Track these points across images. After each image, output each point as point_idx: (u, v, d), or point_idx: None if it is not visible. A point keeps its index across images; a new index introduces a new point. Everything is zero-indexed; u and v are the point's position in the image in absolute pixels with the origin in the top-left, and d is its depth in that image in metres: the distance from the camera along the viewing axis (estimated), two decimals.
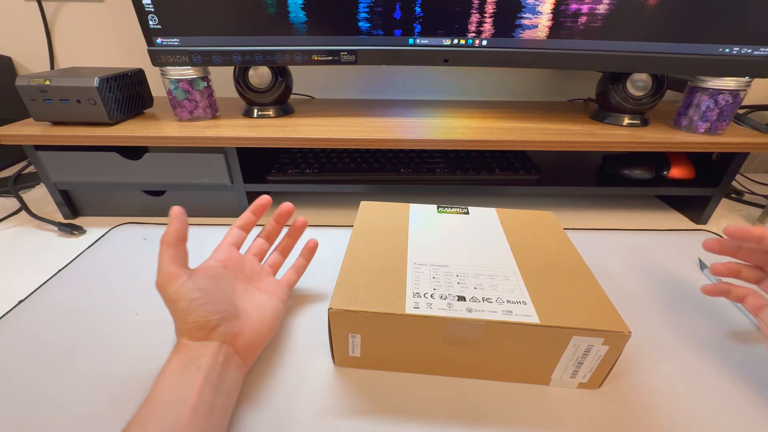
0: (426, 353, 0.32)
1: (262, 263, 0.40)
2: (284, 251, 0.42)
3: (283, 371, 0.34)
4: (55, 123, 0.54)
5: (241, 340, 0.31)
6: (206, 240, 0.53)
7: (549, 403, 0.32)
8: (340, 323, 0.31)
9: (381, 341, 0.32)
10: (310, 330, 0.39)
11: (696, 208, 0.61)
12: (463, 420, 0.31)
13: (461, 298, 0.31)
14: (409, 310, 0.30)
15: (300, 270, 0.42)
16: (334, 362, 0.35)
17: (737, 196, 0.68)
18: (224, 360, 0.29)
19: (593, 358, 0.31)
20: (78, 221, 0.59)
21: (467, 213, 0.45)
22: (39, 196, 0.64)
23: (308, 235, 0.55)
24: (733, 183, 0.71)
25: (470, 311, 0.30)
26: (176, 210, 0.33)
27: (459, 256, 0.37)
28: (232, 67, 0.55)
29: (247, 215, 0.39)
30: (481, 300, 0.31)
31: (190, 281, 0.30)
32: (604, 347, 0.30)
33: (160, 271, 0.30)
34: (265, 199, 0.39)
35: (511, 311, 0.30)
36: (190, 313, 0.29)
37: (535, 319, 0.29)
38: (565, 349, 0.30)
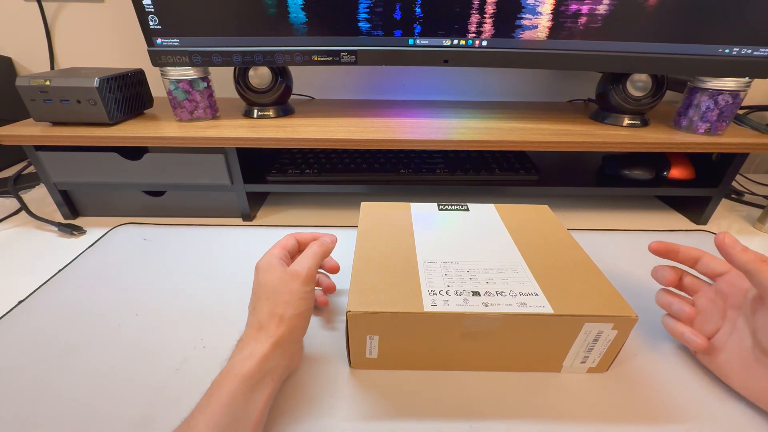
0: (442, 349, 0.33)
1: None
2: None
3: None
4: (56, 123, 0.54)
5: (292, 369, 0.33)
6: (210, 240, 0.53)
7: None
8: (358, 325, 0.31)
9: (399, 341, 0.32)
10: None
11: (696, 209, 0.61)
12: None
13: (476, 293, 0.31)
14: (428, 308, 0.30)
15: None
16: (350, 365, 0.34)
17: (737, 196, 0.68)
18: (279, 380, 0.30)
19: (602, 343, 0.32)
20: (78, 221, 0.59)
21: (467, 210, 0.45)
22: (39, 197, 0.64)
23: None
24: (733, 183, 0.71)
25: (486, 305, 0.30)
26: (334, 237, 0.36)
27: (466, 252, 0.37)
28: (232, 68, 0.55)
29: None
30: (495, 294, 0.32)
31: (314, 296, 0.33)
32: (613, 332, 0.31)
33: (308, 265, 0.32)
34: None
35: (525, 303, 0.31)
36: (305, 320, 0.31)
37: (549, 309, 0.30)
38: (577, 336, 0.31)
